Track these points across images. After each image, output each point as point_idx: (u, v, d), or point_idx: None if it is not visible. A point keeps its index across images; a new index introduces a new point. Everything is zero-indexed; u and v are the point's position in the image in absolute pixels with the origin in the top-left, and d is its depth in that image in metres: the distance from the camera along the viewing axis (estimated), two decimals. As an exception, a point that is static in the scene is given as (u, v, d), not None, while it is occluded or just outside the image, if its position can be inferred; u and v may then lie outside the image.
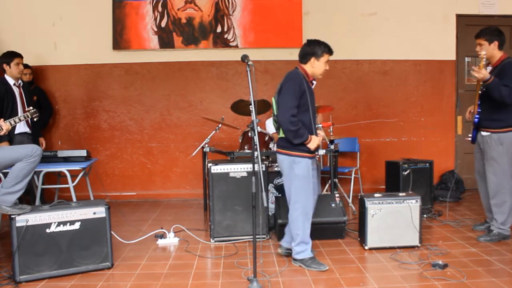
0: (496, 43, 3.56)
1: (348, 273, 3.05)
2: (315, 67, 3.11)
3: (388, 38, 5.68)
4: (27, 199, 4.39)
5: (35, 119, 3.40)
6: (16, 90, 4.24)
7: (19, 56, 4.21)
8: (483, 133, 3.67)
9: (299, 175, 3.05)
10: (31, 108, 3.37)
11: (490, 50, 3.58)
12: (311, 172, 3.11)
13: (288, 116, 2.95)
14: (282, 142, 3.13)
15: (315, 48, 3.10)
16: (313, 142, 3.03)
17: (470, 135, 3.84)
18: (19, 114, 3.98)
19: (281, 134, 3.10)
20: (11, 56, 4.17)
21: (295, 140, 2.99)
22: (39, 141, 4.47)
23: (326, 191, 5.10)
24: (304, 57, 3.12)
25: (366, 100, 5.75)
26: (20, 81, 4.28)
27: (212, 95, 5.73)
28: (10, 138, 4.19)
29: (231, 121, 5.24)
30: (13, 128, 4.20)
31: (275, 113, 3.08)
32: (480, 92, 3.63)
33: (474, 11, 5.74)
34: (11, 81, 4.21)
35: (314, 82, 3.19)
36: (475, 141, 3.83)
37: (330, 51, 3.12)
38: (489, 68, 3.65)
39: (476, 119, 3.68)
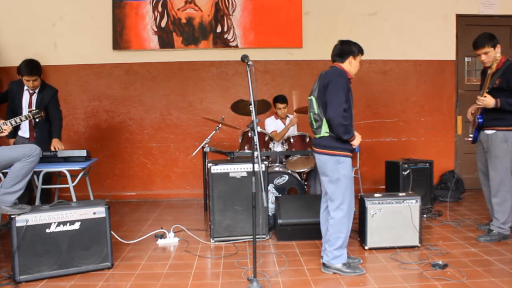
0: (498, 45, 3.58)
1: (348, 273, 3.05)
2: (353, 65, 3.08)
3: (388, 38, 5.69)
4: (30, 198, 4.38)
5: (37, 120, 3.39)
6: (26, 95, 4.25)
7: (29, 74, 4.11)
8: (488, 132, 3.67)
9: (345, 175, 3.01)
10: (33, 108, 3.37)
11: (496, 54, 3.57)
12: (353, 171, 3.10)
13: (341, 110, 2.90)
14: (324, 142, 3.02)
15: (351, 47, 3.07)
16: (357, 139, 3.00)
17: (471, 134, 3.84)
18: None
19: (322, 134, 3.01)
20: (22, 71, 4.12)
21: (345, 135, 2.93)
22: (52, 143, 4.31)
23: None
24: (342, 55, 3.07)
25: (366, 100, 5.75)
26: (36, 89, 4.27)
27: (212, 95, 5.73)
28: (14, 136, 4.21)
29: (231, 121, 5.24)
30: (18, 129, 4.22)
31: (316, 112, 3.01)
32: (487, 91, 3.60)
33: (474, 11, 5.74)
34: (26, 86, 4.23)
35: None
36: (476, 141, 3.83)
37: (363, 51, 3.13)
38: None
39: (480, 120, 3.67)
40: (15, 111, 4.19)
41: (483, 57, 3.61)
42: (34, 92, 4.26)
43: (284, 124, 5.02)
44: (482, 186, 3.93)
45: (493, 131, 3.62)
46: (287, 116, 5.06)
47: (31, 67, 4.13)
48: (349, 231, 3.07)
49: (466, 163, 5.87)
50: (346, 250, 3.10)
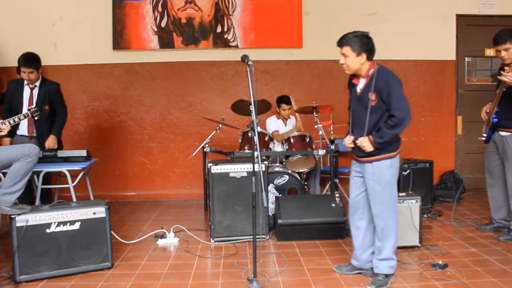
0: None
1: (348, 273, 3.05)
2: None
3: (388, 38, 5.67)
4: (30, 198, 4.38)
5: (35, 118, 3.38)
6: (27, 90, 4.25)
7: (24, 66, 4.13)
8: (502, 133, 3.62)
9: None
10: (32, 106, 3.35)
11: None
12: (353, 174, 3.01)
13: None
14: None
15: None
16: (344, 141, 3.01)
17: (484, 134, 3.79)
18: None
19: None
20: (19, 62, 4.15)
21: None
22: (48, 139, 4.33)
23: (326, 191, 5.11)
24: None
25: (366, 100, 5.74)
26: (36, 84, 4.28)
27: (212, 95, 5.73)
28: (12, 136, 4.20)
29: (231, 121, 5.24)
30: (17, 127, 4.22)
31: None
32: (504, 89, 3.53)
33: (474, 11, 5.74)
34: (25, 81, 4.24)
35: (361, 80, 2.87)
36: (489, 141, 3.80)
37: (338, 44, 2.84)
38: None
39: (495, 120, 3.62)
40: (13, 109, 4.17)
41: (503, 53, 3.51)
42: (35, 87, 4.27)
43: (286, 124, 5.02)
44: (487, 185, 3.91)
45: (509, 133, 3.56)
46: (289, 116, 5.06)
47: (28, 59, 4.14)
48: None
49: (466, 163, 5.87)
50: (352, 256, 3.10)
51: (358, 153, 2.92)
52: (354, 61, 2.77)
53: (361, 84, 2.87)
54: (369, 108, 2.79)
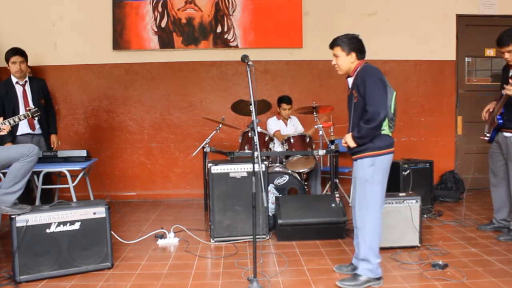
0: None
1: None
2: None
3: (388, 38, 5.68)
4: (30, 198, 4.38)
5: (36, 118, 3.38)
6: (19, 89, 4.24)
7: (16, 54, 4.12)
8: (506, 134, 3.61)
9: None
10: (32, 106, 3.34)
11: None
12: (353, 173, 3.01)
13: None
14: None
15: None
16: None
17: (487, 134, 3.79)
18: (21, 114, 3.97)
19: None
20: (8, 54, 4.15)
21: None
22: (50, 139, 4.39)
23: (327, 191, 5.11)
24: None
25: (366, 100, 5.74)
26: (25, 79, 4.27)
27: (212, 95, 5.73)
28: (13, 138, 4.20)
29: (231, 121, 5.24)
30: (16, 129, 4.21)
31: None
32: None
33: (474, 11, 5.74)
34: (14, 79, 4.23)
35: (349, 80, 2.96)
36: (492, 141, 3.79)
37: (329, 45, 2.96)
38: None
39: (500, 121, 3.61)
40: (9, 109, 4.15)
41: (507, 55, 3.50)
42: (26, 83, 4.26)
43: (286, 124, 5.03)
44: (491, 186, 3.91)
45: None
46: (289, 117, 5.07)
47: (17, 48, 4.17)
48: None
49: (466, 163, 5.87)
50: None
51: (348, 150, 2.99)
52: (344, 60, 2.87)
53: (349, 83, 2.96)
54: (353, 106, 2.88)
